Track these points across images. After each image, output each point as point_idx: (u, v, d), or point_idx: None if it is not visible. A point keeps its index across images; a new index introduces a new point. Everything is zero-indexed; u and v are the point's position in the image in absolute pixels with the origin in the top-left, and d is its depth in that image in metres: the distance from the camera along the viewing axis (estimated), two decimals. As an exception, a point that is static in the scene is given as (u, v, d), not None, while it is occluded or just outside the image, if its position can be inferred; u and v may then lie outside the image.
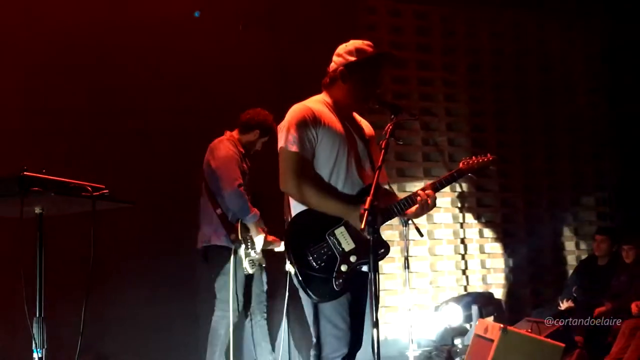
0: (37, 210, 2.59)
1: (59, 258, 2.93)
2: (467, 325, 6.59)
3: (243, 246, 4.90)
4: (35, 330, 2.48)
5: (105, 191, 2.55)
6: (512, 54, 7.96)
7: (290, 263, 3.14)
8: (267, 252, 5.20)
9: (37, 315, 2.51)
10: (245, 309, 5.07)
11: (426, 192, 3.27)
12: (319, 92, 3.48)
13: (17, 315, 2.59)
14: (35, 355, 2.52)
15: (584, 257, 7.62)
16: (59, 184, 2.46)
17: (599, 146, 8.26)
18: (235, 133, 5.20)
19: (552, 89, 8.11)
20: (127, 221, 5.20)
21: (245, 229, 4.92)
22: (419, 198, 3.25)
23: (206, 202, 5.04)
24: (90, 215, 2.53)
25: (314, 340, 3.23)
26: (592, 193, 8.21)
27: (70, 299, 3.42)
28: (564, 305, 6.41)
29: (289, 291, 4.72)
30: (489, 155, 3.50)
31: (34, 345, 2.51)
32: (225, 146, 5.00)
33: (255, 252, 4.99)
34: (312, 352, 3.24)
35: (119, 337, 5.61)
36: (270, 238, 5.13)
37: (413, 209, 3.29)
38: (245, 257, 4.91)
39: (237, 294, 4.91)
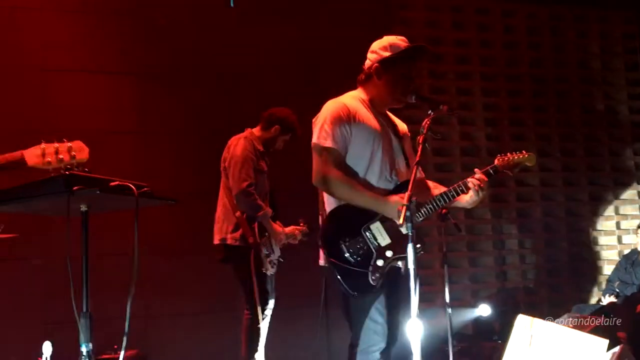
0: (83, 208, 2.65)
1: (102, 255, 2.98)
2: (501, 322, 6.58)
3: (264, 248, 4.89)
4: (82, 325, 2.55)
5: (147, 189, 2.60)
6: (549, 48, 7.88)
7: (326, 257, 3.16)
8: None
9: (84, 310, 2.57)
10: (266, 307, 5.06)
11: (477, 177, 3.26)
12: (351, 88, 3.48)
13: (66, 310, 2.66)
14: (82, 349, 2.58)
15: (626, 251, 7.49)
16: (103, 182, 2.52)
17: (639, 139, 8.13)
18: (256, 130, 5.18)
19: (591, 82, 8.01)
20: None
21: (263, 230, 4.89)
22: (471, 184, 3.24)
23: (225, 201, 5.03)
24: (132, 214, 2.57)
25: (352, 334, 3.24)
26: (634, 186, 8.07)
27: (112, 296, 3.51)
28: (606, 300, 6.32)
29: (325, 288, 4.73)
30: (524, 152, 3.46)
31: (80, 339, 2.57)
32: (240, 145, 4.98)
33: (274, 252, 4.99)
34: (350, 347, 3.25)
35: (159, 335, 5.73)
36: (289, 229, 5.10)
37: (467, 197, 3.28)
38: (266, 258, 4.91)
39: (262, 293, 4.91)
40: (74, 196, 2.41)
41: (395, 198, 3.11)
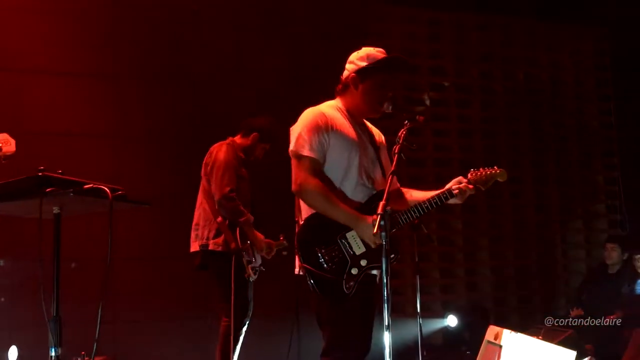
0: (55, 210, 2.62)
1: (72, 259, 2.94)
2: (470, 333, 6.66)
3: (245, 254, 4.87)
4: (51, 329, 2.51)
5: (121, 192, 2.56)
6: (523, 62, 8.00)
7: (301, 264, 3.16)
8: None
9: (54, 315, 2.53)
10: (246, 316, 5.02)
11: (463, 184, 3.34)
12: (330, 97, 3.50)
13: (37, 315, 2.62)
14: (51, 353, 2.55)
15: (595, 265, 7.60)
16: (76, 184, 2.49)
17: (609, 155, 8.26)
18: (237, 138, 5.18)
19: (562, 97, 8.13)
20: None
21: (245, 237, 4.86)
22: (460, 186, 3.32)
23: (205, 206, 4.99)
24: (105, 216, 2.54)
25: (324, 343, 3.24)
26: (603, 201, 8.21)
27: (84, 300, 3.46)
28: (573, 312, 6.40)
29: (297, 296, 4.73)
30: (495, 167, 3.46)
31: (50, 343, 2.53)
32: (223, 150, 4.97)
33: (255, 259, 4.97)
34: (322, 355, 3.25)
35: (129, 340, 5.66)
36: (266, 241, 5.05)
37: (451, 201, 3.34)
38: (248, 264, 4.88)
39: (243, 300, 4.88)
40: (46, 198, 2.37)
41: (367, 221, 3.10)
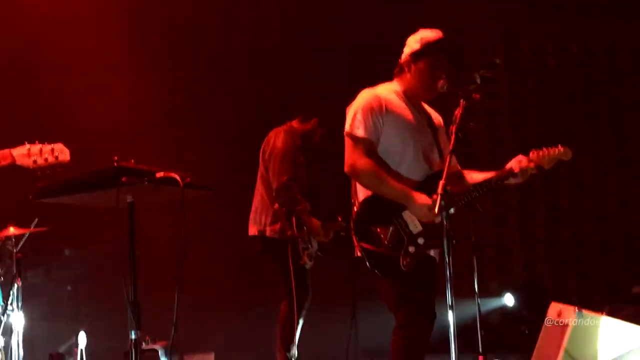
0: (129, 199, 2.72)
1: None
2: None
3: (301, 241, 4.93)
4: (130, 313, 2.63)
5: (190, 180, 2.66)
6: (576, 37, 7.86)
7: (358, 243, 3.22)
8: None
9: (132, 299, 2.65)
10: (305, 301, 5.10)
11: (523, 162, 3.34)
12: (384, 81, 3.54)
13: (117, 299, 2.73)
14: (132, 336, 2.66)
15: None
16: (149, 173, 2.59)
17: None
18: (295, 123, 5.16)
19: (622, 71, 7.95)
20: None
21: (301, 224, 4.88)
22: (522, 164, 3.32)
23: (263, 192, 5.03)
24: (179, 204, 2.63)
25: (396, 320, 3.30)
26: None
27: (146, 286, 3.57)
28: (636, 289, 6.32)
29: (354, 280, 4.79)
30: (560, 146, 3.46)
31: (129, 327, 2.65)
32: (280, 138, 4.97)
33: (312, 245, 5.03)
34: (397, 329, 3.31)
35: (190, 325, 5.81)
36: (322, 225, 5.04)
37: (511, 180, 3.35)
38: (304, 252, 4.94)
39: (302, 286, 4.92)
40: (122, 187, 2.48)
41: (421, 199, 3.16)
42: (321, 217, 5.09)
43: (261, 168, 5.08)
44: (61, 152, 2.66)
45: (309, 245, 4.96)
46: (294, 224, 4.85)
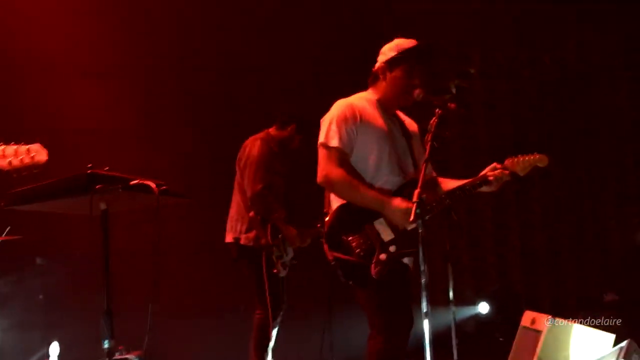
0: (102, 206, 2.69)
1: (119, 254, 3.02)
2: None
3: (276, 250, 4.92)
4: (103, 323, 2.60)
5: (166, 187, 2.64)
6: (548, 47, 7.95)
7: (329, 251, 3.23)
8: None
9: (106, 308, 2.62)
10: (279, 310, 5.08)
11: (498, 170, 3.39)
12: (357, 90, 3.56)
13: (91, 309, 2.70)
14: (105, 345, 2.63)
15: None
16: (123, 180, 2.56)
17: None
18: (272, 130, 5.19)
19: (593, 81, 8.04)
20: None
21: (276, 232, 4.90)
22: (494, 172, 3.36)
23: (239, 199, 5.05)
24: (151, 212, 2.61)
25: (370, 327, 3.30)
26: (637, 184, 8.12)
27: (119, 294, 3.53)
28: (608, 297, 6.39)
29: (331, 286, 4.80)
30: (535, 153, 3.52)
31: (102, 335, 2.62)
32: (256, 146, 4.99)
33: (287, 254, 5.02)
34: (370, 337, 3.31)
35: (163, 334, 5.75)
36: (299, 231, 5.06)
37: (485, 188, 3.39)
38: (277, 260, 4.93)
39: (275, 295, 4.91)
40: (96, 194, 2.45)
41: (396, 201, 3.17)
42: (300, 223, 5.10)
43: (237, 176, 5.08)
44: (38, 153, 2.59)
45: (284, 254, 4.95)
46: (269, 232, 4.85)
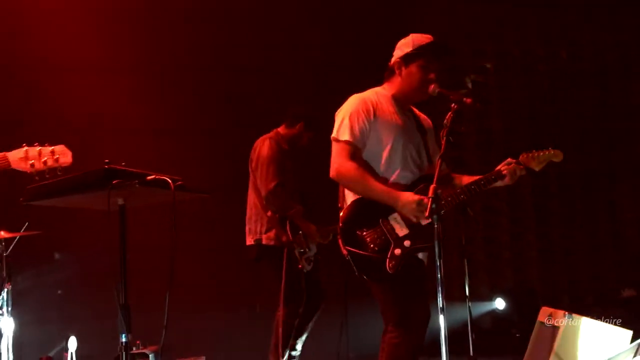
0: (120, 202, 2.71)
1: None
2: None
3: (297, 246, 4.93)
4: (121, 317, 2.62)
5: (181, 182, 2.65)
6: (564, 42, 7.91)
7: (343, 246, 3.23)
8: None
9: (123, 302, 2.63)
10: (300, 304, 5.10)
11: (512, 165, 3.38)
12: (370, 86, 3.55)
13: (108, 303, 2.72)
14: (122, 339, 2.65)
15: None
16: (140, 175, 2.58)
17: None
18: (280, 129, 5.20)
19: (607, 76, 8.01)
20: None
21: (296, 228, 4.91)
22: (509, 167, 3.35)
23: (255, 200, 5.07)
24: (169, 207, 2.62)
25: (389, 319, 3.30)
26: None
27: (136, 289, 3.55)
28: (625, 293, 6.35)
29: (346, 281, 4.80)
30: (550, 148, 3.50)
31: (120, 329, 2.64)
32: (266, 145, 5.01)
33: (310, 249, 5.03)
34: (385, 332, 3.31)
35: (181, 329, 5.80)
36: (319, 228, 5.06)
37: (500, 182, 3.37)
38: (301, 256, 4.95)
39: (298, 291, 4.91)
40: (113, 190, 2.47)
41: (407, 196, 3.17)
42: (320, 220, 5.11)
43: (251, 177, 5.11)
44: (62, 155, 2.58)
45: (307, 249, 4.96)
46: (288, 229, 4.87)
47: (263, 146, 5.03)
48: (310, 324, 5.09)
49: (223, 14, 6.46)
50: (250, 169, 5.11)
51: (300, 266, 4.89)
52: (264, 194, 4.89)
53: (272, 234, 4.93)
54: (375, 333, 3.49)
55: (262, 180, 4.92)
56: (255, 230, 5.02)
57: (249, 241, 5.06)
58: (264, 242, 4.95)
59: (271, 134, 5.16)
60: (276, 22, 6.54)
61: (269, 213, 4.92)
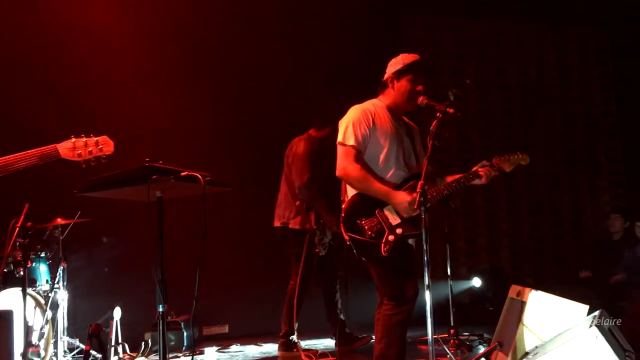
0: (158, 194, 2.72)
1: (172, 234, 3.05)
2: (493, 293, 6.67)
3: (318, 232, 4.95)
4: (158, 290, 2.63)
5: (210, 178, 2.66)
6: (533, 62, 7.88)
7: (345, 233, 3.24)
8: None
9: (160, 278, 2.65)
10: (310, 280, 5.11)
11: (486, 166, 3.41)
12: (369, 96, 3.56)
13: (146, 279, 2.72)
14: (159, 309, 2.67)
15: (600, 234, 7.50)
16: (175, 172, 2.59)
17: (611, 138, 8.11)
18: (312, 131, 5.21)
19: (569, 90, 7.99)
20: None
21: (318, 218, 4.93)
22: (485, 169, 3.38)
23: (286, 190, 5.10)
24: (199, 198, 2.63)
25: (384, 294, 3.31)
26: (607, 178, 8.06)
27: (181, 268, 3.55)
28: (582, 274, 6.33)
29: (346, 264, 4.83)
30: (519, 153, 3.52)
31: (157, 301, 2.65)
32: (302, 145, 5.05)
33: (326, 236, 5.04)
34: (380, 304, 3.33)
35: (209, 302, 5.82)
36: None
37: (477, 181, 3.39)
38: (320, 242, 4.97)
39: (310, 270, 4.96)
40: (152, 184, 2.48)
41: (401, 196, 3.18)
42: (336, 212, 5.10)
43: (285, 170, 5.15)
44: (105, 144, 2.58)
45: (324, 236, 5.00)
46: (312, 218, 4.91)
47: (299, 145, 5.07)
48: (338, 294, 5.11)
49: (264, 24, 6.40)
50: (286, 164, 5.15)
51: (317, 250, 4.92)
52: (298, 185, 4.94)
53: (298, 219, 4.98)
54: (371, 305, 3.50)
55: (297, 173, 4.96)
56: (283, 215, 5.06)
57: (277, 223, 5.11)
58: (290, 225, 5.01)
59: (304, 135, 5.20)
60: (312, 36, 6.46)
61: (297, 203, 4.96)
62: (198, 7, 6.23)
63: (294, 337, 4.96)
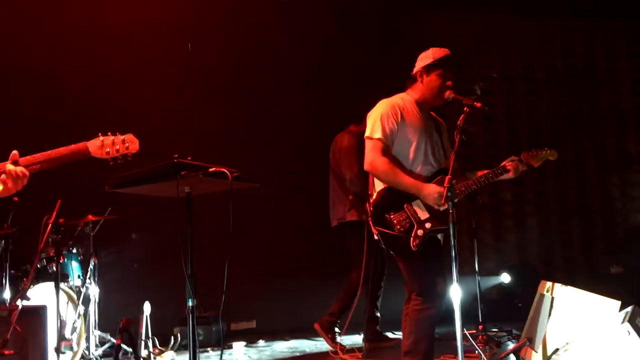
0: (187, 189, 2.74)
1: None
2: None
3: None
4: (188, 285, 2.65)
5: (238, 174, 2.67)
6: (559, 55, 7.75)
7: (373, 227, 3.22)
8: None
9: (190, 272, 2.67)
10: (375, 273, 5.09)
11: (514, 161, 3.37)
12: (397, 90, 3.53)
13: (175, 275, 2.74)
14: (189, 303, 2.69)
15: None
16: (203, 168, 2.61)
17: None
18: (351, 127, 5.22)
19: (598, 82, 7.84)
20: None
21: None
22: (512, 163, 3.35)
23: (336, 187, 5.12)
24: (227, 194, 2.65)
25: (413, 289, 3.29)
26: (638, 171, 7.89)
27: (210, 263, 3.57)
28: (614, 269, 6.22)
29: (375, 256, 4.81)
30: (546, 148, 3.50)
31: (187, 295, 2.67)
32: (346, 138, 5.08)
33: None
34: (407, 300, 3.30)
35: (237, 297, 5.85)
36: None
37: (505, 176, 3.36)
38: None
39: (374, 259, 4.92)
40: (181, 179, 2.50)
41: (430, 188, 3.15)
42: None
43: (332, 165, 5.18)
44: (131, 142, 2.60)
45: None
46: (368, 209, 4.91)
47: (343, 139, 5.10)
48: (383, 285, 5.11)
49: (292, 25, 6.40)
50: (332, 159, 5.18)
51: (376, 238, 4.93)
52: (349, 177, 4.96)
53: (353, 212, 5.00)
54: (399, 300, 3.48)
55: (346, 166, 4.98)
56: (339, 212, 5.09)
57: (334, 223, 5.14)
58: (347, 219, 5.01)
59: (346, 130, 5.22)
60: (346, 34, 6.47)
61: (350, 197, 4.96)
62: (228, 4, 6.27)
63: (337, 328, 5.03)
